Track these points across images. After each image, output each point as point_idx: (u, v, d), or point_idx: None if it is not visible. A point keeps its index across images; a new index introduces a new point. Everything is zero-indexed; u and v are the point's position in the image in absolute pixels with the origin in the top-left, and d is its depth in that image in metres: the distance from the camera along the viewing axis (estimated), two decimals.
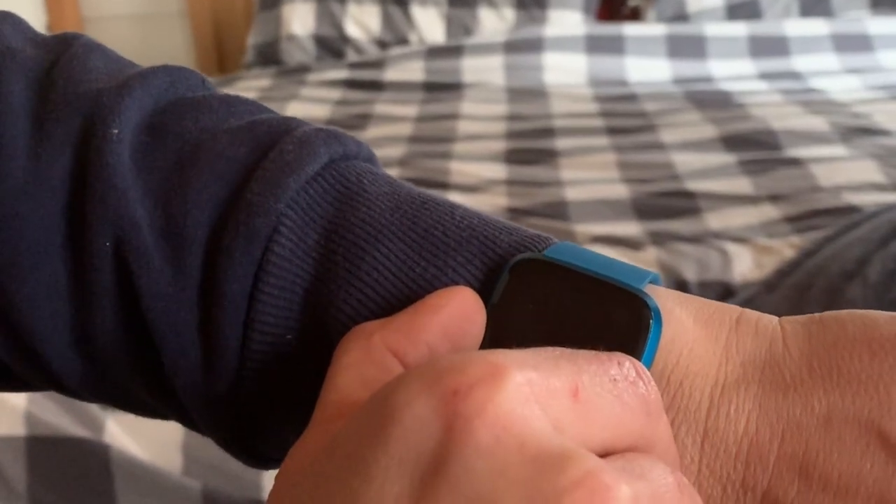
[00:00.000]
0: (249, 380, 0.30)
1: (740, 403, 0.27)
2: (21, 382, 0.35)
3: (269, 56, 2.45)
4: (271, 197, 0.30)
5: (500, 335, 0.28)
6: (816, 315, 0.28)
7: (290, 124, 0.33)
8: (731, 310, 0.29)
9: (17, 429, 1.10)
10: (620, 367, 0.24)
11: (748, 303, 1.16)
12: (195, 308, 0.30)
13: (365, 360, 0.27)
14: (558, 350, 0.24)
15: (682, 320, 0.28)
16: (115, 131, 0.31)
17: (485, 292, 0.29)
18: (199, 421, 0.32)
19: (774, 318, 0.29)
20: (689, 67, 2.18)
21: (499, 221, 0.31)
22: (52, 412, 1.10)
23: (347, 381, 0.26)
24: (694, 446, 0.27)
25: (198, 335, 0.30)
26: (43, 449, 1.10)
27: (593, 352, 0.24)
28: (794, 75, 2.13)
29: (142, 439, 1.10)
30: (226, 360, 0.30)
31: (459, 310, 0.28)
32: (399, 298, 0.29)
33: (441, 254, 0.30)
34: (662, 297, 0.29)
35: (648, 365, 0.27)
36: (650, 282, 0.29)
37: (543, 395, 0.22)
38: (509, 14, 2.40)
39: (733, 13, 2.34)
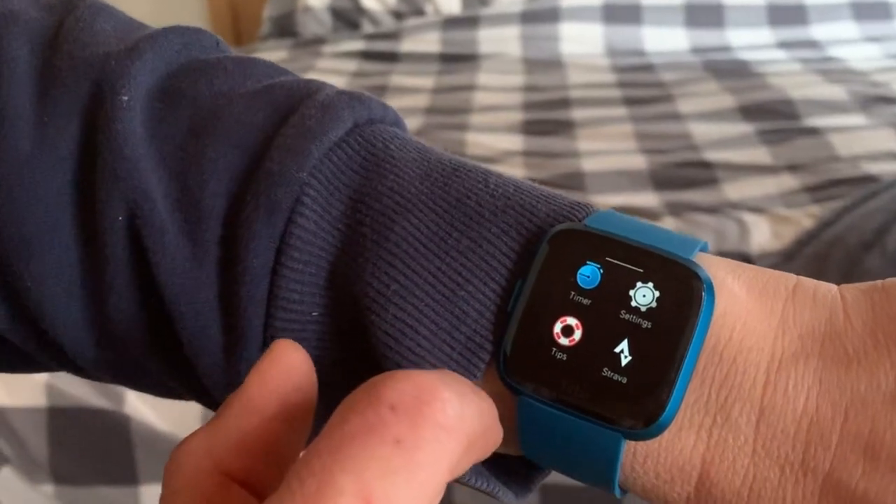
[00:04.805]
0: None
1: (799, 379, 0.25)
2: (35, 364, 0.33)
3: (285, 28, 2.44)
4: (293, 165, 0.28)
5: (538, 311, 0.26)
6: (878, 283, 0.26)
7: (311, 87, 0.31)
8: (786, 278, 0.27)
9: (39, 400, 1.11)
10: (396, 417, 0.21)
11: None
12: (214, 285, 0.28)
13: (201, 500, 0.23)
14: (322, 451, 0.21)
15: (734, 291, 0.26)
16: (125, 97, 0.29)
17: (522, 265, 0.27)
18: (221, 402, 0.31)
19: (833, 287, 0.27)
20: (707, 36, 2.15)
21: (535, 188, 0.29)
22: (73, 383, 1.11)
23: None
24: (748, 426, 0.25)
25: (218, 313, 0.28)
26: (64, 420, 1.11)
27: (359, 420, 0.21)
28: (813, 44, 2.11)
29: (162, 410, 1.11)
30: (248, 339, 0.28)
31: (292, 385, 0.25)
32: (430, 271, 0.27)
33: (475, 224, 0.28)
34: (714, 267, 0.27)
35: (701, 341, 0.25)
36: (699, 250, 0.27)
37: None
38: None
39: None
